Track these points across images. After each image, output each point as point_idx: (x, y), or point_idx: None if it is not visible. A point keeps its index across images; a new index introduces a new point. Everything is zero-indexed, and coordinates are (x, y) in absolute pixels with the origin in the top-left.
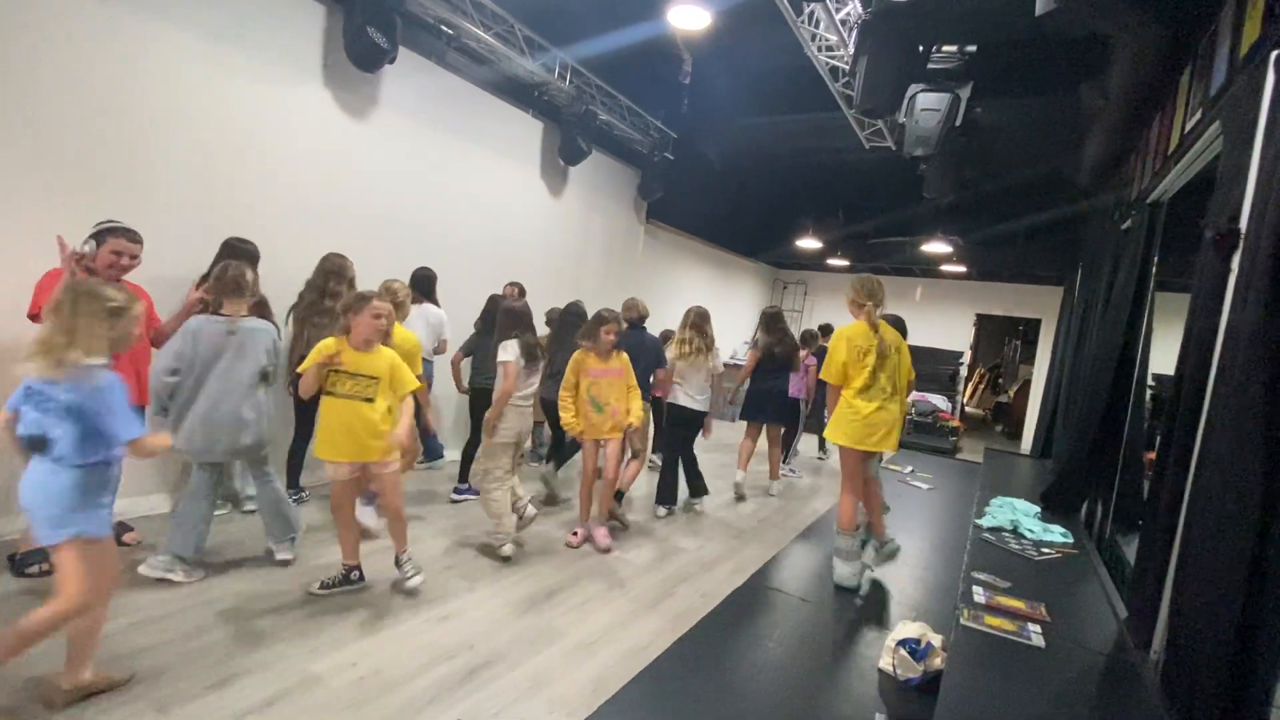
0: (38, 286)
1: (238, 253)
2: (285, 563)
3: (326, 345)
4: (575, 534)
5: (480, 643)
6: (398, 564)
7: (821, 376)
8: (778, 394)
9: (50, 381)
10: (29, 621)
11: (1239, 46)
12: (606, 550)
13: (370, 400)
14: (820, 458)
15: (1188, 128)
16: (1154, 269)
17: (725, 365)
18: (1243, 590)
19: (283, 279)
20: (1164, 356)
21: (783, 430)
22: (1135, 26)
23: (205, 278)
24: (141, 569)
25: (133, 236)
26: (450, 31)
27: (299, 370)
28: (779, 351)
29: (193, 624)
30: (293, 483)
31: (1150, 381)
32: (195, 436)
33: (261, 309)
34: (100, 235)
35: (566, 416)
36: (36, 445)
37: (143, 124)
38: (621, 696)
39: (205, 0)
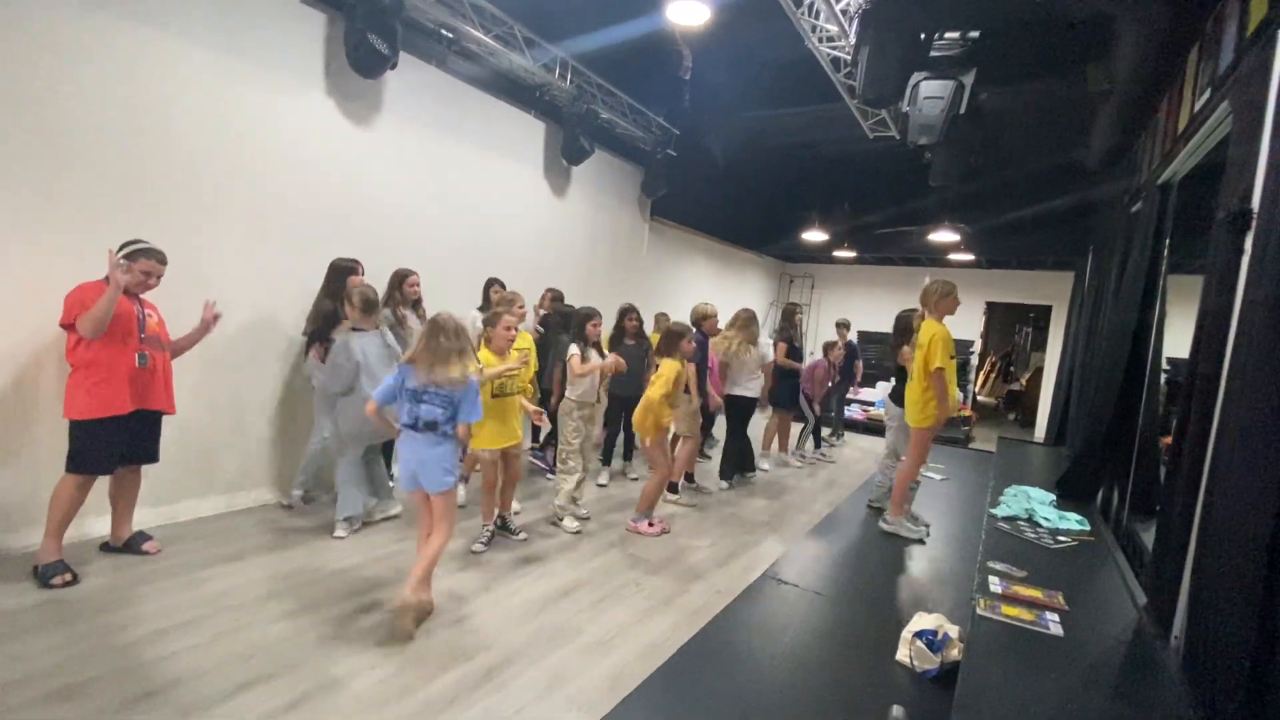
0: (69, 299)
1: (352, 271)
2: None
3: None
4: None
5: (497, 642)
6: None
7: None
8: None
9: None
10: (430, 551)
11: (1247, 24)
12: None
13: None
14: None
15: (1196, 108)
16: (1165, 251)
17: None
18: (1263, 574)
19: (288, 286)
20: (1178, 340)
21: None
22: (1140, 5)
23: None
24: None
25: (161, 258)
26: (450, 35)
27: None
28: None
29: (214, 629)
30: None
31: (1165, 365)
32: (360, 425)
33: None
34: (133, 255)
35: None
36: (430, 426)
37: (143, 135)
38: (639, 693)
39: (206, 10)
